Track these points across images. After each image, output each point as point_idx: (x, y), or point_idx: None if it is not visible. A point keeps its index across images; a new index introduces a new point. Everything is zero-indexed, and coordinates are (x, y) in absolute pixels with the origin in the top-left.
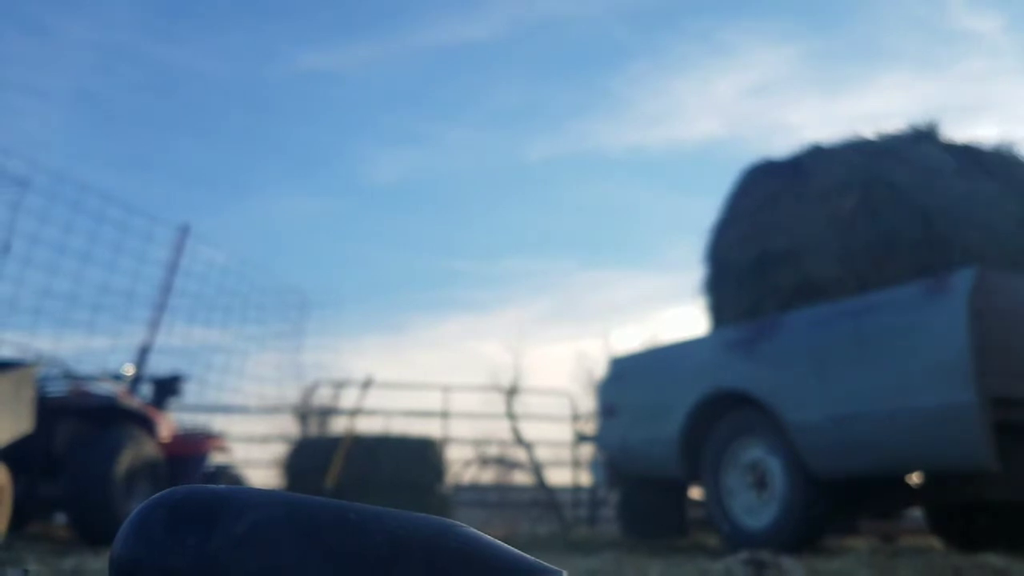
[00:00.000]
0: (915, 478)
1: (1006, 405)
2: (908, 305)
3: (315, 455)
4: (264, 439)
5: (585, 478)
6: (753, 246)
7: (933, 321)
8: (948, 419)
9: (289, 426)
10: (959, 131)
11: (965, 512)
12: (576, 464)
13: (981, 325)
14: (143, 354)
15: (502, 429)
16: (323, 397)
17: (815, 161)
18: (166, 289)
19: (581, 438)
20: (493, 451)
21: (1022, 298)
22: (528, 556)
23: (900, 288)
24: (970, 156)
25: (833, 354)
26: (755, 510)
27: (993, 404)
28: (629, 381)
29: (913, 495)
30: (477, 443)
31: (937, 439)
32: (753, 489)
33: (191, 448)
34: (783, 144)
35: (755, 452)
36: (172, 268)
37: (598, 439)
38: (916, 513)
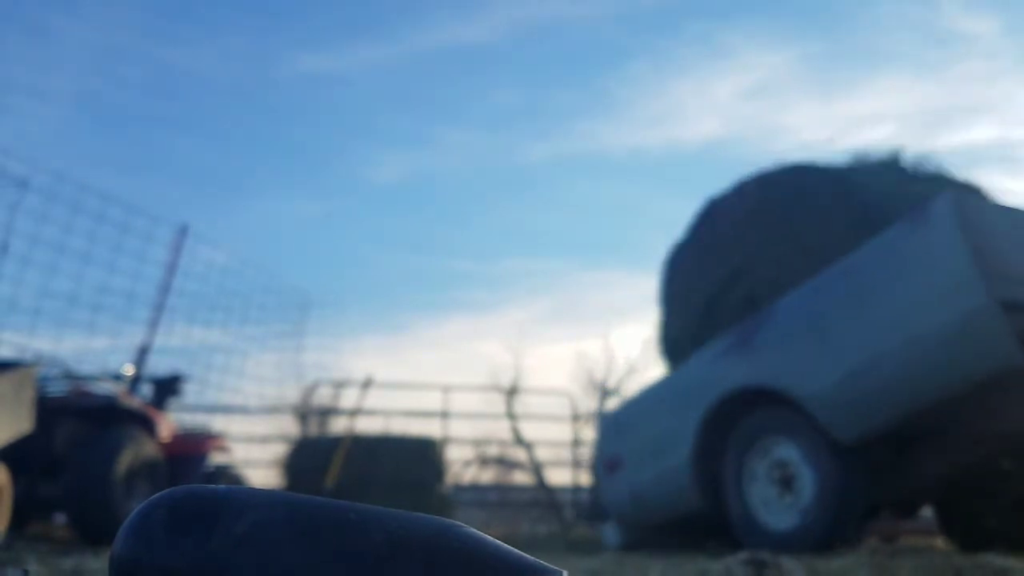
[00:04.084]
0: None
1: (1012, 310)
2: (896, 243)
3: (315, 455)
4: (264, 439)
5: (585, 478)
6: (714, 271)
7: (926, 245)
8: (966, 327)
9: (289, 426)
10: (957, 133)
11: (974, 512)
12: (576, 464)
13: (972, 236)
14: (143, 354)
15: (502, 429)
16: (323, 397)
17: (777, 184)
18: (166, 289)
19: (585, 515)
20: (493, 451)
21: (996, 216)
22: (528, 556)
23: (883, 233)
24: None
25: (834, 314)
26: (784, 509)
27: (1004, 309)
28: (628, 428)
29: (947, 459)
30: (477, 443)
31: (959, 352)
32: (776, 487)
33: (191, 448)
34: (782, 145)
35: (777, 450)
36: (172, 268)
37: (606, 499)
38: (922, 513)
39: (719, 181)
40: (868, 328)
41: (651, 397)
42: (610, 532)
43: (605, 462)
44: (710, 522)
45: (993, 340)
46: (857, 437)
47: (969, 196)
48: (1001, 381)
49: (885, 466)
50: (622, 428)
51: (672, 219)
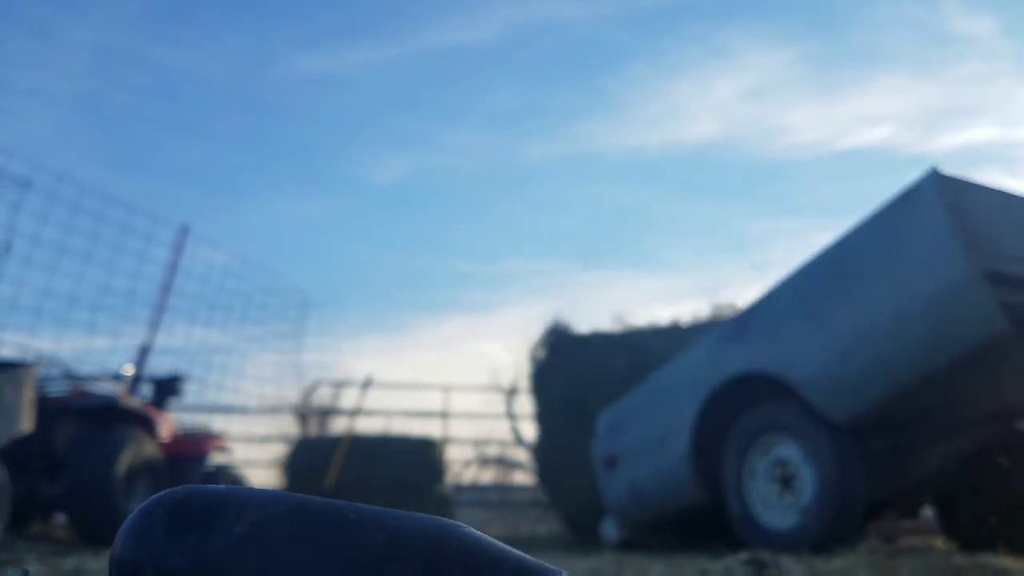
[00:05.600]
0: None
1: (996, 281)
2: (884, 222)
3: (315, 455)
4: (264, 439)
5: None
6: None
7: (912, 222)
8: (951, 299)
9: (289, 426)
10: (957, 133)
11: (974, 512)
12: None
13: (955, 211)
14: (143, 354)
15: (502, 429)
16: (323, 397)
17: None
18: (166, 289)
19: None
20: (493, 451)
21: (981, 195)
22: (528, 556)
23: (871, 214)
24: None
25: (825, 296)
26: (784, 508)
27: (987, 279)
28: (626, 423)
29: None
30: (477, 443)
31: (946, 324)
32: (776, 485)
33: (191, 448)
34: (781, 145)
35: (777, 449)
36: (172, 268)
37: (605, 495)
38: (922, 513)
39: (718, 182)
40: (858, 307)
41: (648, 392)
42: (609, 527)
43: (604, 458)
44: (709, 516)
45: (977, 310)
46: (850, 417)
47: (948, 178)
48: (988, 354)
49: (884, 462)
50: (620, 424)
51: (672, 219)
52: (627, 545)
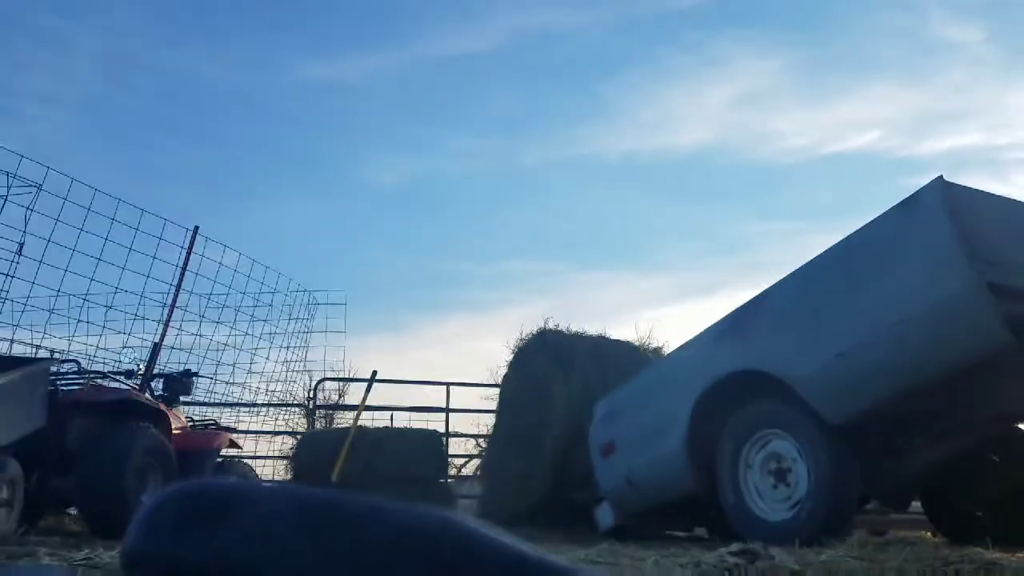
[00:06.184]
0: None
1: (998, 293)
2: (887, 228)
3: (321, 449)
4: (272, 434)
5: None
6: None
7: (915, 230)
8: (952, 309)
9: (296, 421)
10: (944, 139)
11: (962, 506)
12: None
13: (959, 220)
14: (155, 351)
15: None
16: (329, 393)
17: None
18: (177, 288)
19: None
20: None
21: (983, 203)
22: (531, 549)
23: (877, 218)
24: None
25: (826, 298)
26: (778, 501)
27: (989, 290)
28: (623, 413)
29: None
30: (480, 438)
31: (946, 333)
32: (771, 478)
33: (202, 443)
34: (771, 151)
35: (773, 443)
36: (183, 268)
37: (601, 482)
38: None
39: (710, 187)
40: (859, 311)
41: (645, 383)
42: (604, 513)
43: (600, 445)
44: (704, 506)
45: (979, 321)
46: (846, 418)
47: (955, 185)
48: (987, 363)
49: (878, 460)
50: (618, 412)
51: (667, 222)
52: (622, 532)
